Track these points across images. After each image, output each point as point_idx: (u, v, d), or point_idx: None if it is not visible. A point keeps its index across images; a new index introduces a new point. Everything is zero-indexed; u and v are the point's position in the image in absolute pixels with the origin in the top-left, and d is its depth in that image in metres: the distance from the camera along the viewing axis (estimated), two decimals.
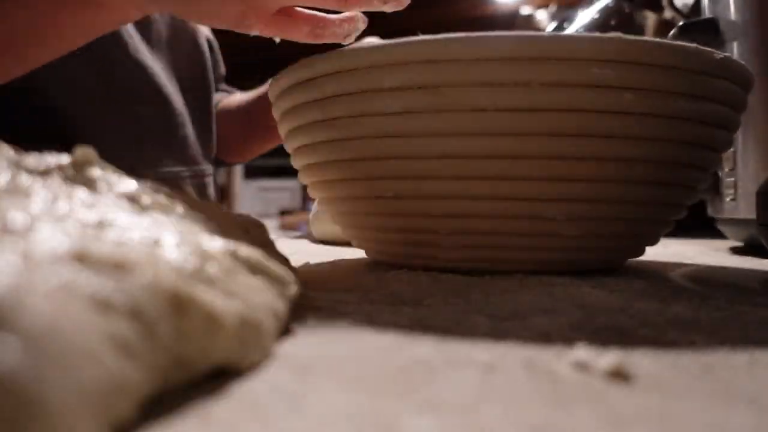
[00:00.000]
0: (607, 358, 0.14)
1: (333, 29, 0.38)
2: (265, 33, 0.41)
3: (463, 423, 0.11)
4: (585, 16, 0.76)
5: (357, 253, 0.45)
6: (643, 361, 0.15)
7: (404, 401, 0.12)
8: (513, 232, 0.28)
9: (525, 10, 1.27)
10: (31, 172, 0.17)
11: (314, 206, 0.63)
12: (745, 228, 0.48)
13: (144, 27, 0.63)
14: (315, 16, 0.38)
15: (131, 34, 0.61)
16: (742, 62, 0.29)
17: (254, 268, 0.18)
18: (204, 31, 0.79)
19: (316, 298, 0.23)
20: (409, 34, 0.27)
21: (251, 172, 4.35)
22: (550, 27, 0.82)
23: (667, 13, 0.68)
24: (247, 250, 0.18)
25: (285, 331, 0.18)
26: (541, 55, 0.25)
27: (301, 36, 0.40)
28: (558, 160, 0.26)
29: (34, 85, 0.50)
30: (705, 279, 0.31)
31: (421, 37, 0.26)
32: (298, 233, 0.95)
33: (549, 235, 0.28)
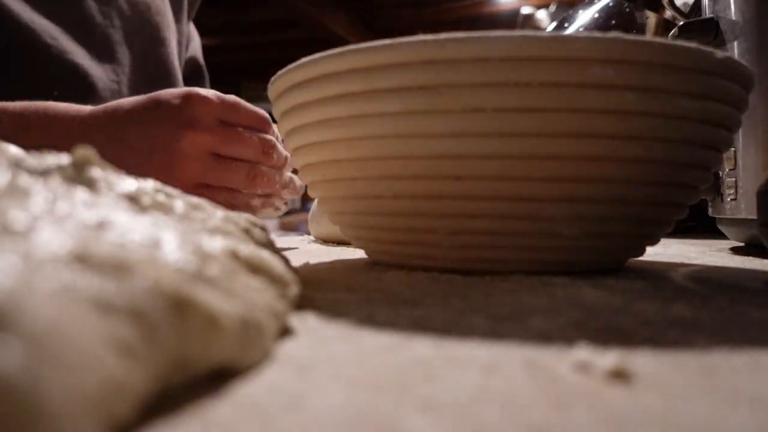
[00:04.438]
0: (608, 358, 0.14)
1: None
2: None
3: (463, 423, 0.11)
4: (585, 16, 0.76)
5: (357, 253, 0.45)
6: (643, 361, 0.15)
7: (404, 401, 0.12)
8: (513, 232, 0.28)
9: (525, 10, 1.27)
10: (31, 172, 0.17)
11: (313, 206, 0.63)
12: (746, 228, 0.48)
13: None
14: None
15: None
16: (743, 62, 0.29)
17: (254, 269, 0.18)
18: (196, 57, 0.79)
19: (316, 298, 0.23)
20: (409, 34, 0.27)
21: None
22: (550, 27, 0.82)
23: (668, 13, 0.68)
24: (247, 251, 0.18)
25: (285, 331, 0.18)
26: (541, 55, 0.25)
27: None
28: (558, 160, 0.26)
29: None
30: (706, 279, 0.31)
31: (421, 37, 0.26)
32: (297, 233, 0.95)
33: (549, 235, 0.28)
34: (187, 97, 0.45)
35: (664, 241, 0.58)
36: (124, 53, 0.66)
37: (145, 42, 0.69)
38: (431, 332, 0.18)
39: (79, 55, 0.61)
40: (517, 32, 0.25)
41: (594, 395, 0.13)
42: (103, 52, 0.63)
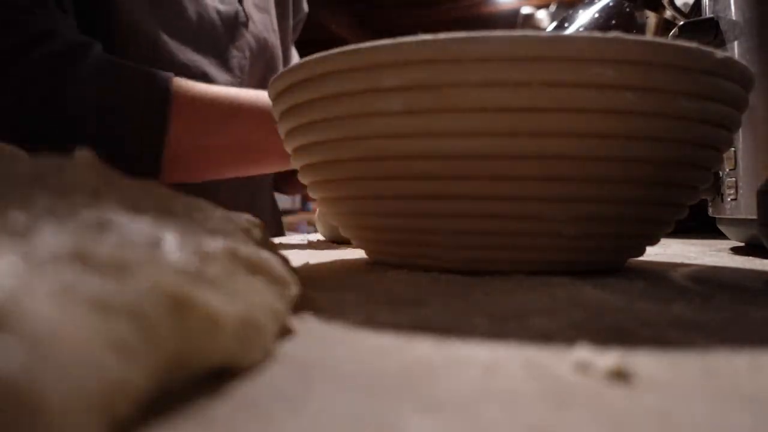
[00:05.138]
0: (608, 358, 0.14)
1: None
2: None
3: (463, 423, 0.11)
4: (585, 16, 0.76)
5: (357, 253, 0.45)
6: (643, 361, 0.15)
7: (404, 401, 0.12)
8: (513, 232, 0.28)
9: (525, 10, 1.27)
10: (31, 172, 0.17)
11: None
12: (746, 228, 0.48)
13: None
14: None
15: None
16: (743, 62, 0.29)
17: (254, 269, 0.18)
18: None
19: (316, 298, 0.23)
20: (409, 33, 0.27)
21: None
22: (550, 27, 0.82)
23: (668, 13, 0.68)
24: (247, 251, 0.18)
25: (285, 331, 0.18)
26: (541, 55, 0.25)
27: None
28: (558, 160, 0.26)
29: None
30: (706, 279, 0.31)
31: (421, 36, 0.26)
32: (297, 233, 0.95)
33: (549, 236, 0.28)
34: None
35: (664, 241, 0.58)
36: (251, 81, 0.76)
37: (263, 71, 0.79)
38: (431, 332, 0.18)
39: (222, 83, 0.71)
40: (517, 32, 0.25)
41: (594, 395, 0.13)
42: (238, 79, 0.74)
